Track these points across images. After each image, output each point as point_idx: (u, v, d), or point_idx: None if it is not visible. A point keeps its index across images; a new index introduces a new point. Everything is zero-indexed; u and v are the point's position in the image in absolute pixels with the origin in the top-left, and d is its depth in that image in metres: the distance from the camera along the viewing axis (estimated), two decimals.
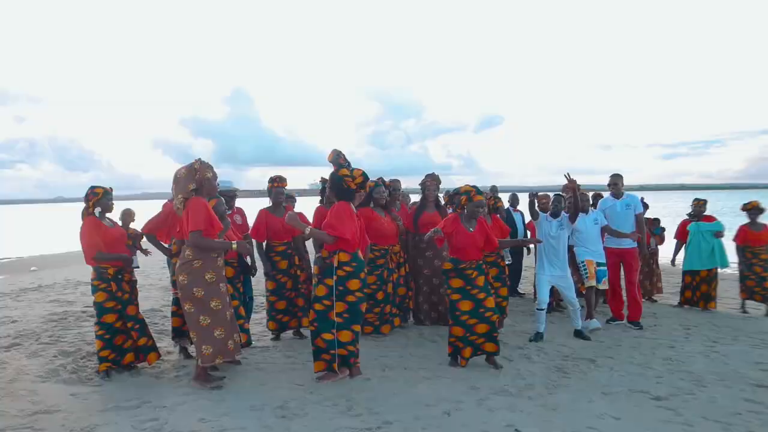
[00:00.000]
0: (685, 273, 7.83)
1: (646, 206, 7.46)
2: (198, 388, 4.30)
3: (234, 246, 4.40)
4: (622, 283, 6.87)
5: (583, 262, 6.31)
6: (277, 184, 5.89)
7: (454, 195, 6.57)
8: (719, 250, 7.62)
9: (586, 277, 6.29)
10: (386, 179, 6.35)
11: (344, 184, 4.53)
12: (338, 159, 4.84)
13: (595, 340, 5.98)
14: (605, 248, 6.51)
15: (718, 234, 7.62)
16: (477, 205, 4.95)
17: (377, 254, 6.02)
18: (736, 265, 7.99)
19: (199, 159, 4.40)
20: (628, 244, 6.61)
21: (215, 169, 4.46)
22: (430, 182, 6.55)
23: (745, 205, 7.71)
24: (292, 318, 5.90)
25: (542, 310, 5.96)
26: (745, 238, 7.60)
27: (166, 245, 5.26)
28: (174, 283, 5.20)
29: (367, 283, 5.18)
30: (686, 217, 8.07)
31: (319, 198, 6.18)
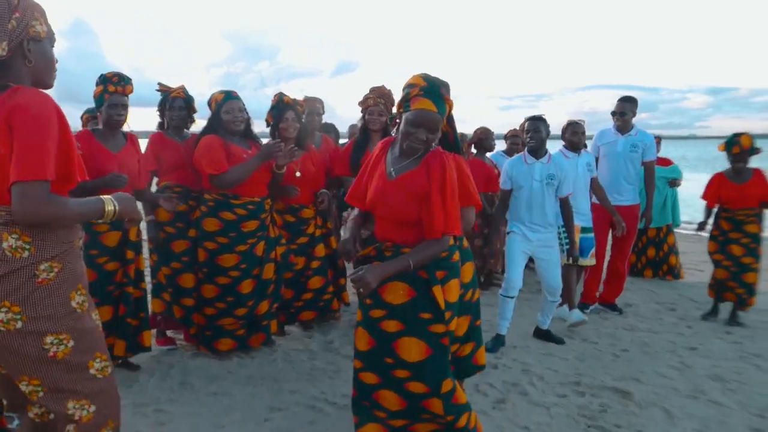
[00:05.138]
0: None
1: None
2: None
3: (113, 207, 1.62)
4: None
5: (562, 227, 3.98)
6: (113, 88, 3.15)
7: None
8: (672, 204, 5.86)
9: (567, 252, 3.95)
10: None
11: None
12: None
13: (587, 341, 4.01)
14: (592, 205, 4.39)
15: (674, 182, 5.85)
16: None
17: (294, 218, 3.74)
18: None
19: None
20: (628, 200, 4.54)
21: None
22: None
23: (731, 144, 4.31)
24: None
25: (510, 298, 3.78)
26: (719, 196, 4.44)
27: None
28: None
29: None
30: None
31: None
